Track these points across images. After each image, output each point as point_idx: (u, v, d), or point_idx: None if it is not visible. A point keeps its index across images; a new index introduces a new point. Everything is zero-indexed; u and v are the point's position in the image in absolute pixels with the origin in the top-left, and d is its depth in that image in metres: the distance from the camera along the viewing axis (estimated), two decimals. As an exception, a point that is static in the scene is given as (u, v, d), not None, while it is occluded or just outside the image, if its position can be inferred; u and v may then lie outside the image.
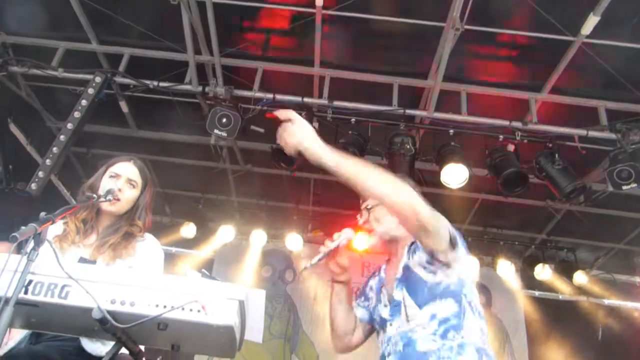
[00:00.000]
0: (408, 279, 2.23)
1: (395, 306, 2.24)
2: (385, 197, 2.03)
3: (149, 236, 2.56)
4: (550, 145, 5.02)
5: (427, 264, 2.18)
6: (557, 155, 4.94)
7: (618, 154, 4.89)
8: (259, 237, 7.32)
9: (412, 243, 2.31)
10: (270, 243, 7.58)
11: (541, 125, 5.08)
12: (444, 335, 2.08)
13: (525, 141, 5.08)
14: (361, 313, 2.51)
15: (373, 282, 2.52)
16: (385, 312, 2.30)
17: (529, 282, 7.64)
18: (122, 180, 2.52)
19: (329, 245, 2.33)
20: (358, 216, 2.52)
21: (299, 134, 2.00)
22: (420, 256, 2.20)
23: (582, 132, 5.01)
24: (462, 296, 2.18)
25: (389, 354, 2.19)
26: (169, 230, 7.39)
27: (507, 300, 7.59)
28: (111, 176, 2.52)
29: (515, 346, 7.41)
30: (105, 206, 2.43)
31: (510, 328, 7.52)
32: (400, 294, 2.24)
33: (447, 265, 2.16)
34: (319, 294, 7.48)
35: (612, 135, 4.97)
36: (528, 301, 7.70)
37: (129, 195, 2.51)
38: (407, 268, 2.25)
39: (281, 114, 2.02)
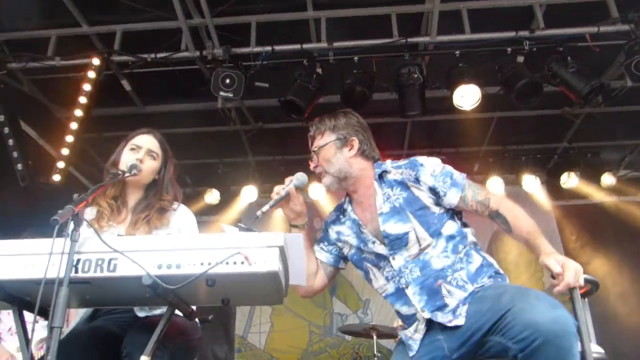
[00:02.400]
0: (404, 212, 2.28)
1: (395, 240, 2.27)
2: None
3: (180, 206, 2.64)
4: (561, 49, 4.91)
5: (432, 199, 2.30)
6: (569, 58, 4.85)
7: (633, 46, 4.75)
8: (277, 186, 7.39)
9: (381, 175, 2.38)
10: (294, 196, 7.66)
11: (549, 30, 4.95)
12: (454, 250, 2.23)
13: (535, 49, 4.98)
14: (325, 257, 2.55)
15: (340, 227, 2.52)
16: (381, 248, 2.32)
17: (557, 192, 7.64)
18: (142, 152, 2.57)
19: (280, 191, 2.37)
20: (309, 162, 2.54)
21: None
22: (426, 192, 2.31)
23: (593, 29, 4.86)
24: (455, 214, 2.35)
25: (407, 285, 2.23)
26: (193, 199, 7.51)
27: (537, 214, 7.58)
28: (131, 149, 2.58)
29: (552, 255, 7.49)
30: (128, 178, 2.47)
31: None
32: (395, 227, 2.27)
33: None
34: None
35: (625, 27, 4.81)
36: (559, 211, 7.74)
37: (149, 165, 2.57)
38: (408, 199, 2.30)
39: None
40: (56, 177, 4.75)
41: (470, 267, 2.21)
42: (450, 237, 2.25)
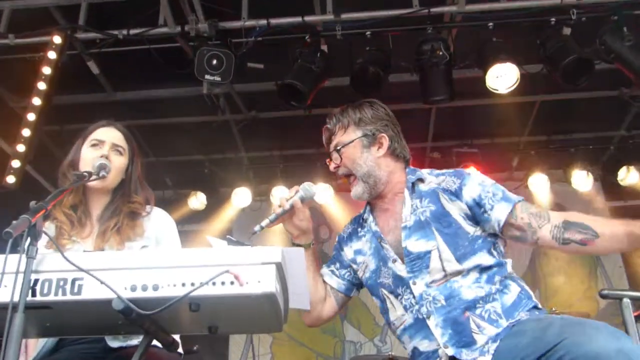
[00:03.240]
0: (429, 227, 2.30)
1: (415, 260, 2.28)
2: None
3: (154, 209, 2.65)
4: (616, 17, 4.89)
5: (467, 217, 2.32)
6: (625, 29, 4.82)
7: (702, 14, 4.75)
8: (280, 195, 7.39)
9: (414, 183, 2.42)
10: (296, 199, 7.67)
11: (602, -6, 4.94)
12: (489, 280, 2.24)
13: (584, 19, 4.96)
14: (336, 283, 2.56)
15: (358, 244, 2.54)
16: (400, 269, 2.33)
17: (614, 191, 7.61)
18: (106, 147, 2.57)
19: (284, 204, 2.36)
20: (327, 162, 2.53)
21: None
22: (461, 206, 2.32)
23: (653, -6, 4.87)
24: (493, 242, 2.35)
25: (429, 315, 2.22)
26: (175, 204, 7.53)
27: (590, 217, 7.58)
28: (93, 144, 2.58)
29: (609, 269, 7.48)
30: (92, 182, 2.44)
31: (599, 250, 7.56)
32: (417, 244, 2.29)
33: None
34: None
35: (692, -9, 4.82)
36: (616, 214, 7.67)
37: (117, 164, 2.57)
38: (436, 213, 2.31)
39: None
40: (10, 179, 4.77)
41: (506, 298, 2.21)
42: (486, 269, 2.26)
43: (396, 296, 2.35)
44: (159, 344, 1.96)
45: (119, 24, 5.16)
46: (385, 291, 2.40)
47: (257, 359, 7.44)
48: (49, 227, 2.49)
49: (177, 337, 2.27)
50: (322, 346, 7.49)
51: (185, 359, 2.46)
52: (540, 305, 2.26)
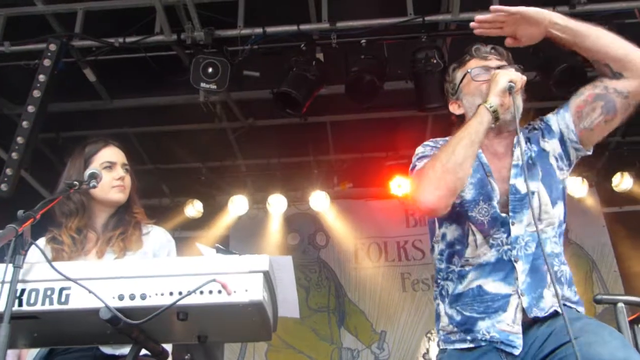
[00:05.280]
0: (535, 168, 2.28)
1: (519, 200, 2.23)
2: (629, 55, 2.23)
3: (154, 227, 2.76)
4: (606, 26, 4.89)
5: (559, 158, 2.33)
6: (618, 37, 4.83)
7: (690, 23, 4.76)
8: (277, 203, 7.43)
9: (528, 126, 2.43)
10: (292, 207, 7.68)
11: (593, 4, 4.94)
12: (560, 236, 2.29)
13: (577, 28, 4.96)
14: None
15: None
16: (501, 208, 2.24)
17: (609, 197, 7.61)
18: (119, 169, 2.67)
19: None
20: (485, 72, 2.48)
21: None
22: (555, 144, 2.33)
23: (643, 3, 4.88)
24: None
25: (517, 259, 2.18)
26: (171, 212, 7.56)
27: (585, 223, 7.58)
28: (106, 167, 2.64)
29: (605, 274, 7.47)
30: (113, 196, 2.61)
31: (595, 254, 7.57)
32: (526, 184, 2.17)
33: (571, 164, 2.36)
34: (360, 254, 7.64)
35: (682, 0, 4.83)
36: (612, 220, 7.68)
37: (128, 182, 2.71)
38: (538, 155, 2.32)
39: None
40: (4, 187, 4.75)
41: (569, 269, 2.25)
42: (560, 225, 2.28)
43: (485, 235, 2.24)
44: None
45: (116, 32, 5.15)
46: (474, 227, 2.26)
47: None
48: (46, 247, 2.52)
49: (169, 346, 2.26)
50: (318, 353, 7.44)
51: (177, 368, 2.46)
52: None
